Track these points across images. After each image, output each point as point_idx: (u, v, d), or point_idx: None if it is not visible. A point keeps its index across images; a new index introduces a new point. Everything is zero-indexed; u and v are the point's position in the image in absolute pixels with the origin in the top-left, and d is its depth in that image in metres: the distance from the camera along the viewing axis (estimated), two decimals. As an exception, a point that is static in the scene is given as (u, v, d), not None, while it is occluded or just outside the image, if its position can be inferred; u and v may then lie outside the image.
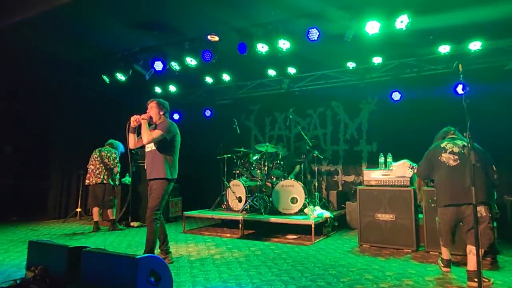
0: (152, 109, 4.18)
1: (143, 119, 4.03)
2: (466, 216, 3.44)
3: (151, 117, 4.14)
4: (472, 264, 3.35)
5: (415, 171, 4.45)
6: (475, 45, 5.59)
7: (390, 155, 5.28)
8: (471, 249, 3.37)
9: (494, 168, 3.55)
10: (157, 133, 4.01)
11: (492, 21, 4.83)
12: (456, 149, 3.60)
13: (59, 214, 8.03)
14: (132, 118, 4.03)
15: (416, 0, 4.45)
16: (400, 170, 4.98)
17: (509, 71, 5.93)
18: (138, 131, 4.13)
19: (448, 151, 3.63)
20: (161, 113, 4.20)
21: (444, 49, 5.85)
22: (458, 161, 3.53)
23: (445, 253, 3.82)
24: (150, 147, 4.14)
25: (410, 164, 4.92)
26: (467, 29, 5.11)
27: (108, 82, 6.83)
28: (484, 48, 5.64)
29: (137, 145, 4.16)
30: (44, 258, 3.15)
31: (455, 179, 3.48)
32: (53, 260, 3.07)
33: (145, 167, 4.23)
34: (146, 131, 3.98)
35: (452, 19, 4.83)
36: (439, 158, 3.66)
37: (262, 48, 5.40)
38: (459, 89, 6.18)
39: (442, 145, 3.72)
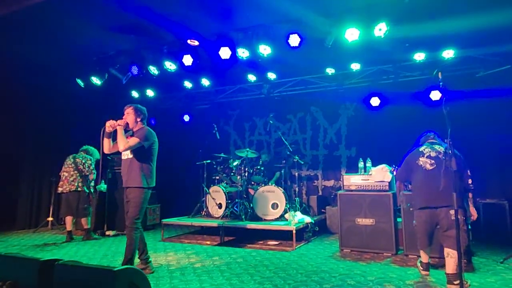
0: (129, 115, 4.05)
1: (118, 125, 3.88)
2: (441, 219, 3.50)
3: (127, 124, 4.00)
4: (450, 267, 3.38)
5: (395, 173, 4.53)
6: (448, 53, 5.79)
7: (369, 160, 5.36)
8: (448, 252, 3.41)
9: (469, 173, 3.67)
10: (134, 140, 3.89)
11: (463, 32, 5.02)
12: (433, 154, 3.69)
13: (29, 223, 7.65)
14: (108, 123, 3.88)
15: (393, 9, 4.56)
16: (379, 175, 5.06)
17: (480, 78, 6.17)
18: (113, 136, 3.98)
19: (425, 155, 3.71)
20: (138, 119, 4.08)
21: (419, 56, 6.02)
22: (435, 165, 3.61)
23: (424, 256, 3.88)
24: (127, 154, 4.00)
25: (388, 169, 5.01)
26: (441, 38, 5.31)
27: (82, 86, 6.60)
28: (456, 56, 5.85)
29: (112, 150, 4.02)
30: (13, 273, 2.96)
31: (431, 182, 3.56)
32: (23, 275, 2.89)
33: (121, 175, 4.09)
34: (122, 138, 3.84)
35: (427, 28, 4.99)
36: (417, 162, 3.74)
37: (242, 53, 5.38)
38: (432, 95, 6.36)
39: (420, 149, 3.81)
